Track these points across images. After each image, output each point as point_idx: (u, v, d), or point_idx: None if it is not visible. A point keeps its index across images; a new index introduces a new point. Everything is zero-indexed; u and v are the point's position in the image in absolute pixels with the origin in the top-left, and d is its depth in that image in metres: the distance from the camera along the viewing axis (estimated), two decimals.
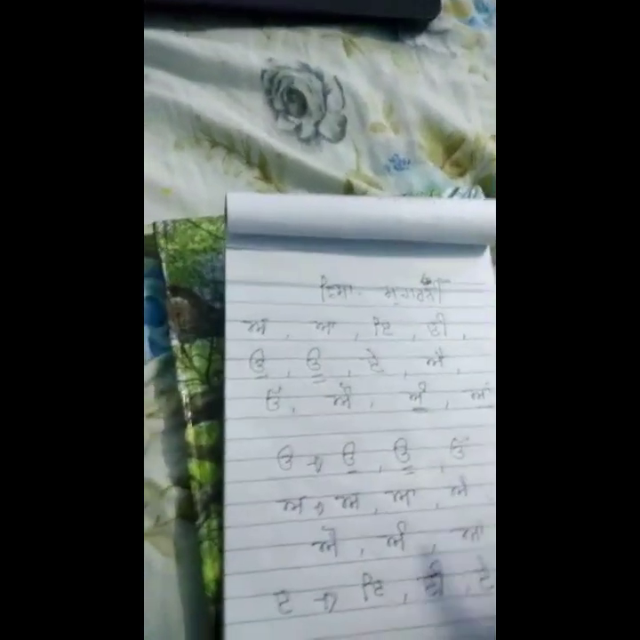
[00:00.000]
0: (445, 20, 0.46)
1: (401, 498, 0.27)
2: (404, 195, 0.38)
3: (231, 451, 0.26)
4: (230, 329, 0.29)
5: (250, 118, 0.38)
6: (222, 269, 0.30)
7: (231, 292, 0.29)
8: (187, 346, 0.29)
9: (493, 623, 0.19)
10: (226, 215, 0.29)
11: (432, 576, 0.26)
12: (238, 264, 0.30)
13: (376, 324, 0.31)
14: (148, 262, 0.32)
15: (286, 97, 0.39)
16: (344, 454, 0.28)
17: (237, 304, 0.29)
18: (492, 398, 0.30)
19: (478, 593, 0.26)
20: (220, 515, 0.26)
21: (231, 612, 0.24)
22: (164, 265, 0.31)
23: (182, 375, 0.29)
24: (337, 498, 0.27)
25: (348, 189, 0.36)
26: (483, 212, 0.34)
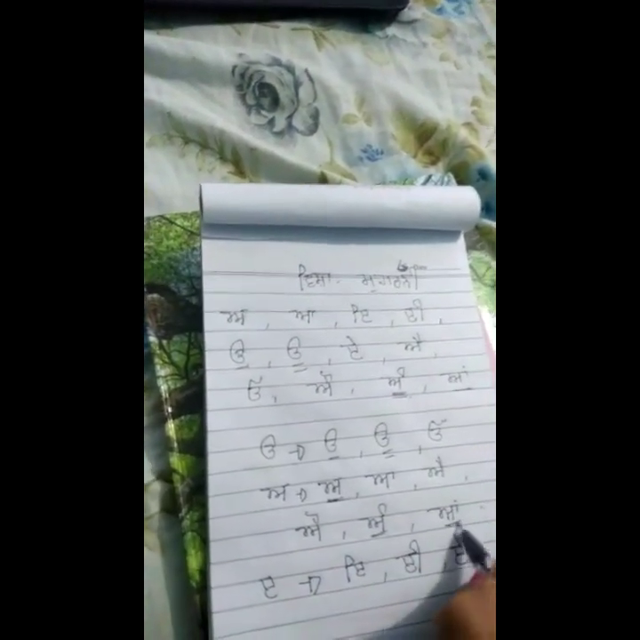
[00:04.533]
0: (415, 10, 0.46)
1: (381, 481, 0.28)
2: (378, 185, 0.38)
3: (213, 442, 0.26)
4: (209, 320, 0.29)
5: (222, 114, 0.38)
6: (198, 265, 0.30)
7: (208, 283, 0.29)
8: (165, 342, 0.30)
9: None
10: (201, 205, 0.29)
11: (411, 554, 0.27)
12: (215, 254, 0.30)
13: (355, 311, 0.31)
14: None
15: (258, 91, 0.39)
16: (326, 441, 0.28)
17: (215, 295, 0.29)
18: (468, 381, 0.31)
19: (454, 568, 0.27)
20: (203, 506, 0.26)
21: (218, 600, 0.24)
22: None
23: (161, 371, 0.29)
24: (320, 484, 0.27)
25: (323, 181, 0.37)
26: (457, 198, 0.34)
